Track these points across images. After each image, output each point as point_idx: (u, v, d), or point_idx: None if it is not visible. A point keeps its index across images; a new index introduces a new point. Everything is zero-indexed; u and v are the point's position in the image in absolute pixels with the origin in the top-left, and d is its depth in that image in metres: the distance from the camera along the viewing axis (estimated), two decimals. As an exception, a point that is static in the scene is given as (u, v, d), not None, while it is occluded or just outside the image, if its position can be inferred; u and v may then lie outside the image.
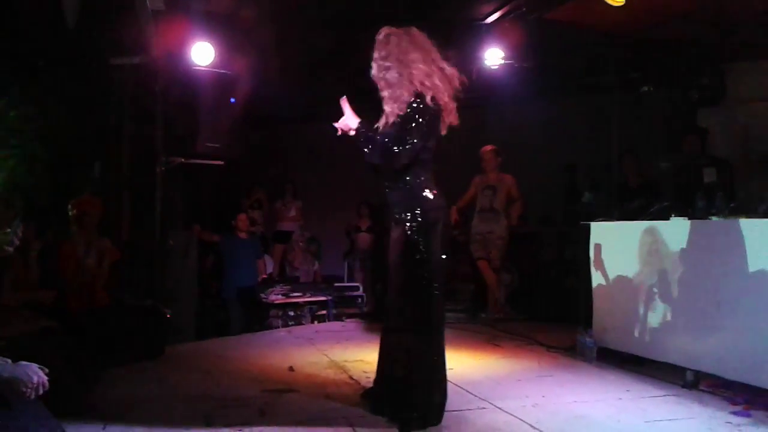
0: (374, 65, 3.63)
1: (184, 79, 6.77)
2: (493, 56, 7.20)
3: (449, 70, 3.62)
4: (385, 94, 3.58)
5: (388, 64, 3.56)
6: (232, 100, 7.12)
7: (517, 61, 7.27)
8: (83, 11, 5.59)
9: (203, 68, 6.65)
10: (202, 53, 6.52)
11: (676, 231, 4.48)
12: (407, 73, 3.51)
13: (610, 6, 5.85)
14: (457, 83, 3.63)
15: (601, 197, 8.13)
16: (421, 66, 3.52)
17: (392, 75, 3.54)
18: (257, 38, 6.66)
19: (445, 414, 3.52)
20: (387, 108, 3.57)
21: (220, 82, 6.86)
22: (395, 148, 3.42)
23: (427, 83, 3.50)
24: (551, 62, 7.82)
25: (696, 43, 7.02)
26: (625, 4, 5.67)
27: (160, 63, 6.63)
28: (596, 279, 5.29)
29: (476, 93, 8.75)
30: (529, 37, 6.80)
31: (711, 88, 7.31)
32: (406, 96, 3.49)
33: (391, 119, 3.53)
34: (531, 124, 8.91)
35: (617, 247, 5.13)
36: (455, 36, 7.15)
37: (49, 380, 2.58)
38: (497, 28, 6.98)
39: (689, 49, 7.19)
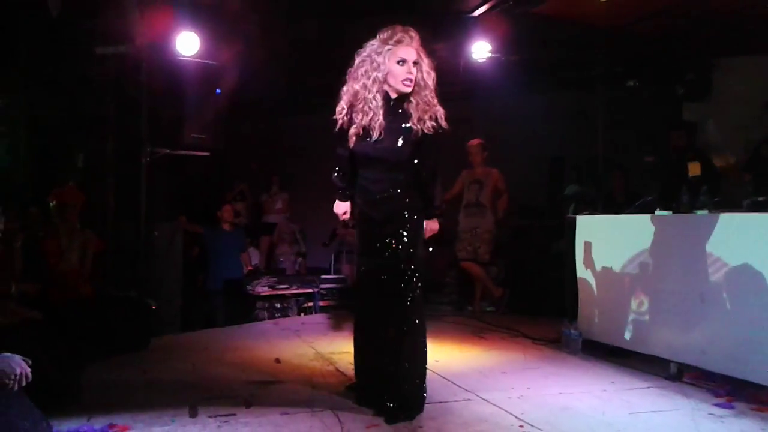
0: (422, 68, 3.51)
1: (170, 70, 6.71)
2: (480, 49, 7.19)
3: None
4: (418, 102, 3.50)
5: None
6: (218, 90, 7.07)
7: (503, 55, 7.28)
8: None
9: (188, 58, 6.59)
10: (187, 43, 6.46)
11: (660, 225, 4.51)
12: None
13: (597, 0, 5.86)
14: None
15: (586, 190, 8.18)
16: None
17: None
18: (243, 28, 6.61)
19: (432, 405, 3.55)
20: (414, 116, 3.49)
21: (205, 72, 6.81)
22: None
23: None
24: (538, 56, 7.83)
25: (683, 38, 7.03)
26: (611, -1, 5.69)
27: (145, 53, 6.56)
28: (582, 272, 5.31)
29: (463, 86, 8.80)
30: (516, 31, 6.80)
31: (697, 83, 7.32)
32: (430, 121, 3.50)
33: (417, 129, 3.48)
34: (517, 118, 8.91)
35: (603, 241, 5.15)
36: (443, 28, 7.15)
37: (32, 372, 2.57)
38: (484, 22, 6.96)
39: (676, 44, 7.21)
